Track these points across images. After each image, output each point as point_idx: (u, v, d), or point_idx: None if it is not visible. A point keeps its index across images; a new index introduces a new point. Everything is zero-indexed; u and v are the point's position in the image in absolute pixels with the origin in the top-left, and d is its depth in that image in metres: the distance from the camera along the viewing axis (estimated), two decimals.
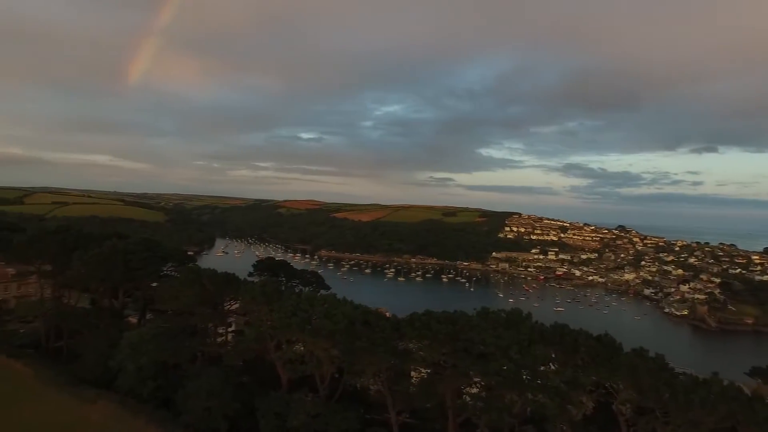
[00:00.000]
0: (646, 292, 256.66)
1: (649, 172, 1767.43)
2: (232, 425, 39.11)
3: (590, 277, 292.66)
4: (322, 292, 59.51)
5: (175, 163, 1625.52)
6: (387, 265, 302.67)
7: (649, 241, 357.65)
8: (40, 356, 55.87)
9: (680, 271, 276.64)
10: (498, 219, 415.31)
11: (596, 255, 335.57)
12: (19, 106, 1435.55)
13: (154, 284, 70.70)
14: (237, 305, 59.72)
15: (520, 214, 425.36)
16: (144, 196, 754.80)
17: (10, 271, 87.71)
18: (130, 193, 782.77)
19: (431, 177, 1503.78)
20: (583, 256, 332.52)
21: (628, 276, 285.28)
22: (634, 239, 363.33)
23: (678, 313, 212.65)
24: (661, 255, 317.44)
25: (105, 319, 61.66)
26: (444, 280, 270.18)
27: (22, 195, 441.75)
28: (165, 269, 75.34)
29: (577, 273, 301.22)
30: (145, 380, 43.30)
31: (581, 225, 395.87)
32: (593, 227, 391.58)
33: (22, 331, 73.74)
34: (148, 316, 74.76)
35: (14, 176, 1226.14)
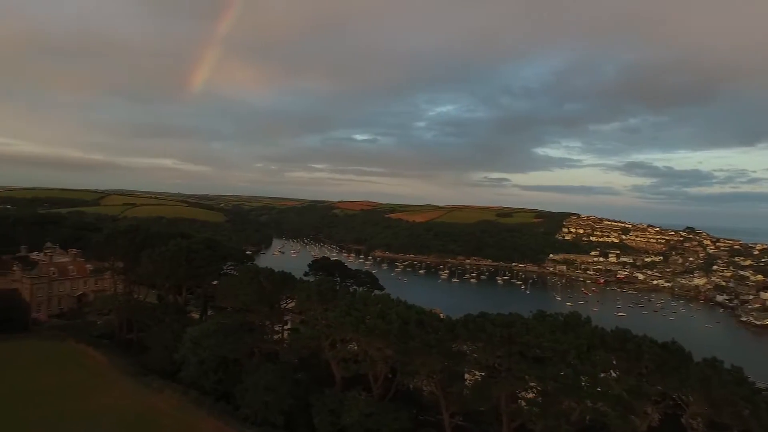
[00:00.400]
0: (719, 298, 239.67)
1: (722, 170, 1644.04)
2: (288, 420, 40.12)
3: (655, 281, 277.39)
4: (376, 292, 59.89)
5: (234, 165, 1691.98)
6: (441, 267, 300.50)
7: (722, 244, 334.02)
8: (114, 346, 59.91)
9: (760, 277, 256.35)
10: (555, 220, 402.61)
11: (661, 258, 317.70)
12: (98, 116, 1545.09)
13: (215, 282, 73.88)
14: (293, 303, 61.20)
15: (578, 215, 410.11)
16: (205, 197, 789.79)
17: (89, 267, 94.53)
18: (192, 194, 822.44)
19: (486, 177, 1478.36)
20: (647, 259, 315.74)
21: (698, 281, 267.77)
22: (705, 242, 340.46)
23: (758, 323, 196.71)
24: (736, 259, 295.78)
25: (170, 314, 64.99)
26: (499, 282, 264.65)
27: (99, 197, 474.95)
28: (225, 268, 78.59)
29: (641, 276, 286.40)
30: (206, 373, 45.30)
31: (645, 226, 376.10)
32: (658, 228, 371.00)
33: (99, 322, 79.37)
34: (209, 312, 78.19)
35: (92, 179, 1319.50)
